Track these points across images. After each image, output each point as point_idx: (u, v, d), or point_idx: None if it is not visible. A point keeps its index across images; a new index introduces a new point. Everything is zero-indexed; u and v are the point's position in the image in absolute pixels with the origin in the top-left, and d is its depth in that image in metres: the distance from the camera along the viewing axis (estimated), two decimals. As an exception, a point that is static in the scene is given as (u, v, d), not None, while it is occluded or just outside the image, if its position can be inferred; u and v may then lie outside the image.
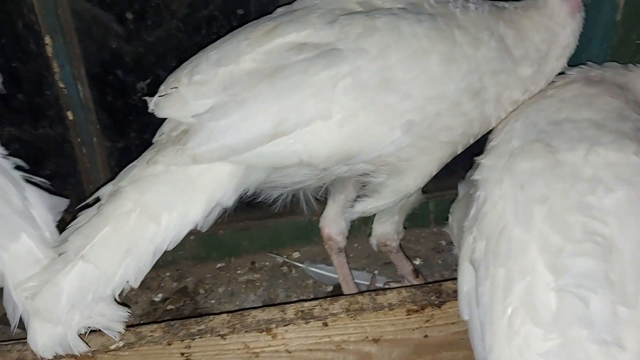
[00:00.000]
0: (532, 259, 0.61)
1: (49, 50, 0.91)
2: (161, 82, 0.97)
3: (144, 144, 1.03)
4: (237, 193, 0.74)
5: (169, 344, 0.76)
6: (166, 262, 1.15)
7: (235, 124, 0.67)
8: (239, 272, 1.14)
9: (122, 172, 0.74)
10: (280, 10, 0.80)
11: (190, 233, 1.14)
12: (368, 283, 1.07)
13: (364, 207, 0.80)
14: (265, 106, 0.68)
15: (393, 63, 0.70)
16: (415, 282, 0.98)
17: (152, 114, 1.00)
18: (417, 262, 1.12)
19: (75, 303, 0.68)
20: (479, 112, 0.75)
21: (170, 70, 0.97)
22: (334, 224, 0.94)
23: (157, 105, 0.72)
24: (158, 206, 0.70)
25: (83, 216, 0.72)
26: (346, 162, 0.74)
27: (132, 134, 1.01)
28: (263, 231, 1.17)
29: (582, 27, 0.79)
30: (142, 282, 1.11)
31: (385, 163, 0.75)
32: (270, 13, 0.94)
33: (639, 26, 0.87)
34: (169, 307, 1.07)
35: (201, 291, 1.10)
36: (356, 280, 1.07)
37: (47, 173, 1.01)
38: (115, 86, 0.96)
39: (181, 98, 0.71)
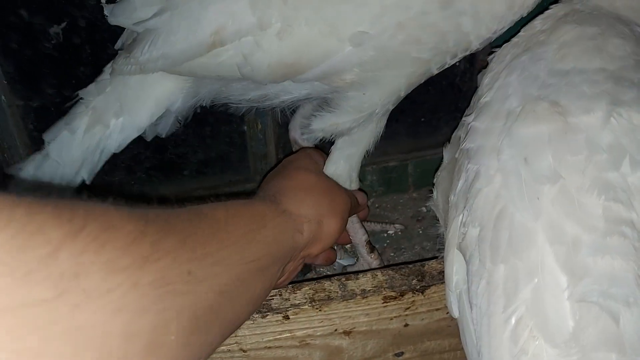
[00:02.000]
0: (541, 253, 0.47)
1: None
2: (79, 27, 0.79)
3: (66, 102, 0.86)
4: (187, 103, 0.72)
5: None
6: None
7: (174, 32, 0.63)
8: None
9: None
10: None
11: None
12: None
13: (322, 123, 0.72)
14: (202, 14, 0.62)
15: None
16: (369, 257, 0.84)
17: (71, 66, 0.83)
18: (392, 232, 0.99)
19: None
20: (453, 25, 0.63)
21: (91, 9, 0.79)
22: (299, 128, 0.86)
23: (111, 12, 0.68)
24: (107, 111, 0.70)
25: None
26: (295, 79, 0.66)
27: (49, 91, 0.83)
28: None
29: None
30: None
31: (344, 81, 0.66)
32: None
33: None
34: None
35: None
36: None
37: (-53, 140, 0.83)
38: (21, 30, 0.77)
39: (131, 4, 0.66)
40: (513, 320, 0.46)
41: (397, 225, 0.97)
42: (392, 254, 0.95)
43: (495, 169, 0.54)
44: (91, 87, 0.72)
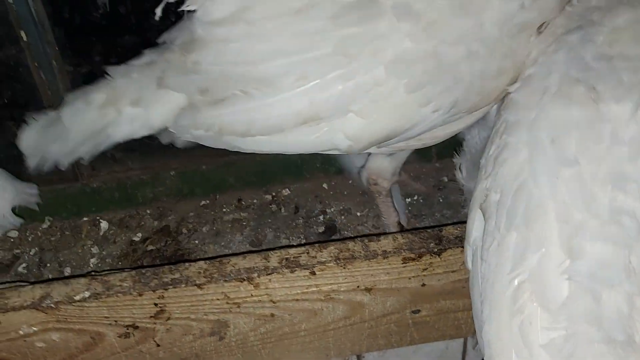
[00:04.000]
0: (550, 229, 0.52)
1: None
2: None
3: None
4: None
5: (140, 295, 0.69)
6: (146, 199, 1.07)
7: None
8: (224, 210, 1.06)
9: None
10: None
11: (170, 168, 1.06)
12: None
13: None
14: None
15: None
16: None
17: (117, 34, 0.88)
18: (412, 199, 1.04)
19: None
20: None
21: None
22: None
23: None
24: (125, 97, 0.65)
25: None
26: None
27: (96, 58, 0.89)
28: (250, 166, 1.08)
29: None
30: (121, 220, 1.05)
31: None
32: None
33: None
34: (150, 247, 1.00)
35: (184, 230, 1.02)
36: None
37: (4, 102, 0.90)
38: (72, 0, 0.83)
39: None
40: (516, 282, 0.51)
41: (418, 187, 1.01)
42: (412, 219, 1.00)
43: (524, 143, 0.58)
44: (122, 67, 0.66)
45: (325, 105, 0.60)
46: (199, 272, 0.71)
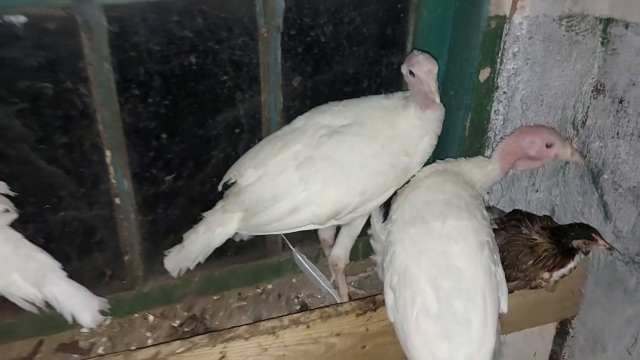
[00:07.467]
0: (423, 284, 1.17)
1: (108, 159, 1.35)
2: (183, 176, 1.44)
3: (168, 217, 1.48)
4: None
5: (214, 346, 1.22)
6: (177, 297, 1.58)
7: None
8: (230, 301, 1.60)
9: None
10: (295, 122, 1.39)
11: (195, 275, 1.60)
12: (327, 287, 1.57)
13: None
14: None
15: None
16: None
17: (173, 198, 1.46)
18: (352, 283, 1.65)
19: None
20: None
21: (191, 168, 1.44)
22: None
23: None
24: (214, 223, 1.34)
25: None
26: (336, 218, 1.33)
27: (158, 211, 1.46)
28: (247, 270, 1.64)
29: (445, 138, 1.38)
30: (162, 314, 1.55)
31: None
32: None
33: (479, 138, 1.48)
34: (186, 329, 1.51)
35: (207, 316, 1.55)
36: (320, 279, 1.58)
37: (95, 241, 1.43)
38: (150, 180, 1.41)
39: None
40: (415, 313, 1.15)
41: (354, 286, 1.63)
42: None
43: (402, 249, 1.24)
44: (209, 212, 1.36)
45: (300, 202, 1.26)
46: (245, 331, 1.25)
